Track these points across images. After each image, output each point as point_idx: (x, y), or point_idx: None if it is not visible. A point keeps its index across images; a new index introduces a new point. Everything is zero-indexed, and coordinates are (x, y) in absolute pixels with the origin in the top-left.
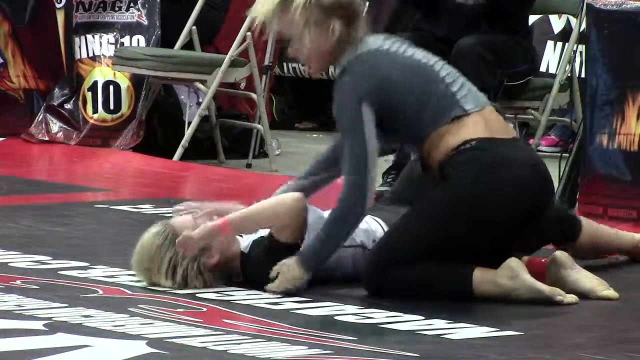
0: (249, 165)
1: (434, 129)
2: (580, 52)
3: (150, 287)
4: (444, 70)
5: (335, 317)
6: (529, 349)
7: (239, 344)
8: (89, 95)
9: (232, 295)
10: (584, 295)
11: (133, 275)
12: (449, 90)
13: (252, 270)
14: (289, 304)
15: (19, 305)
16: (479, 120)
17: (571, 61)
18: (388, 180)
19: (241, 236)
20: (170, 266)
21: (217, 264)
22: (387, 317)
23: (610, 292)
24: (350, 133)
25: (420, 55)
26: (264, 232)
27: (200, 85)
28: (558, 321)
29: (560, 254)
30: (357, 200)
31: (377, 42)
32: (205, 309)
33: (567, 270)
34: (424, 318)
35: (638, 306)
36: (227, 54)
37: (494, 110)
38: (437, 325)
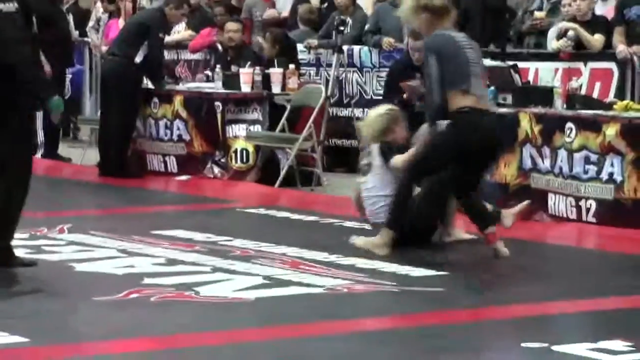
0: (312, 190)
1: (451, 89)
2: None
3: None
4: (476, 68)
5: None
6: None
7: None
8: (233, 155)
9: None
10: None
11: None
12: (469, 76)
13: None
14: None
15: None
16: (472, 98)
17: None
18: None
19: None
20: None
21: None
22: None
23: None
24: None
25: (470, 52)
26: None
27: (288, 150)
28: None
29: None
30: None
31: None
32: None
33: None
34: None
35: None
36: (301, 135)
37: (483, 96)
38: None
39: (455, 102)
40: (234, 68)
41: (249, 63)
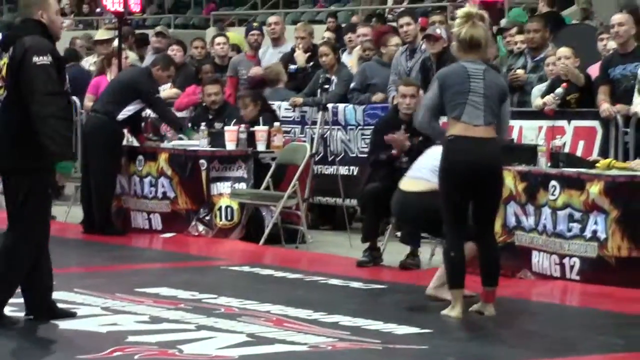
0: (296, 247)
1: (448, 116)
2: None
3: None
4: (477, 97)
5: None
6: None
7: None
8: (217, 212)
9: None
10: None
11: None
12: (464, 104)
13: None
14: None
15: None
16: (462, 125)
17: None
18: None
19: None
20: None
21: None
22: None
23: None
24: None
25: (477, 82)
26: None
27: (272, 207)
28: None
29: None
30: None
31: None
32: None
33: None
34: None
35: None
36: (286, 192)
37: (474, 125)
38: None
39: (448, 130)
40: (217, 125)
41: (234, 120)
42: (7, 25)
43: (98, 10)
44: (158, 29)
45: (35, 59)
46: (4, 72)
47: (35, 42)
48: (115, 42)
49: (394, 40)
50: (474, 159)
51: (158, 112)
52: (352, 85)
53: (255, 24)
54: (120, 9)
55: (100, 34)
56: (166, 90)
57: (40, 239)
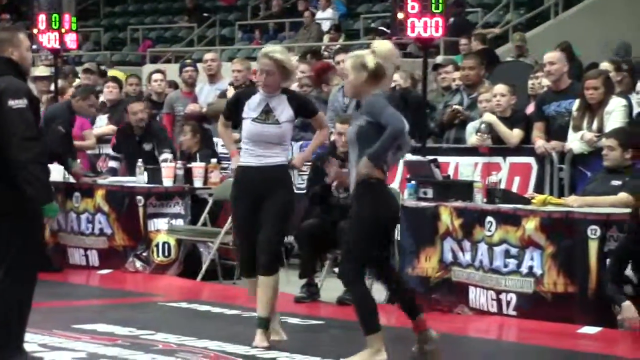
0: (234, 283)
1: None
2: None
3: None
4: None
5: None
6: None
7: None
8: (155, 248)
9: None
10: None
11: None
12: None
13: None
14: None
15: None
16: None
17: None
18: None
19: None
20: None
21: None
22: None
23: None
24: (385, 109)
25: None
26: None
27: (210, 243)
28: None
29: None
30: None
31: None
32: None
33: None
34: None
35: None
36: (223, 228)
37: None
38: None
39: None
40: (146, 146)
41: (169, 153)
42: None
43: (34, 47)
44: (86, 65)
45: (11, 102)
46: None
47: (10, 83)
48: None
49: (337, 79)
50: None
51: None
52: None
53: (188, 61)
54: (57, 45)
55: (40, 71)
56: (102, 127)
57: (35, 272)
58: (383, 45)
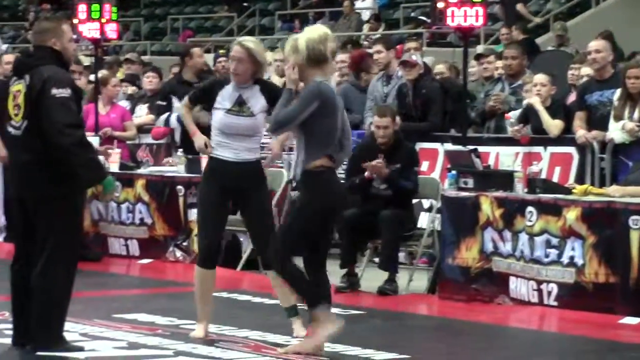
0: None
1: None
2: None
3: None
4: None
5: None
6: None
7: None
8: (195, 238)
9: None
10: None
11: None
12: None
13: None
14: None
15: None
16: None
17: (434, 221)
18: None
19: None
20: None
21: None
22: None
23: None
24: (300, 100)
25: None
26: None
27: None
28: None
29: None
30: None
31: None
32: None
33: None
34: None
35: None
36: None
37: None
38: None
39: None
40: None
41: None
42: (20, 51)
43: (74, 36)
44: (127, 55)
45: (54, 90)
46: (19, 99)
47: (54, 72)
48: (102, 71)
49: (376, 68)
50: None
51: None
52: None
53: (222, 51)
54: (97, 35)
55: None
56: (142, 117)
57: (76, 257)
58: (315, 30)
